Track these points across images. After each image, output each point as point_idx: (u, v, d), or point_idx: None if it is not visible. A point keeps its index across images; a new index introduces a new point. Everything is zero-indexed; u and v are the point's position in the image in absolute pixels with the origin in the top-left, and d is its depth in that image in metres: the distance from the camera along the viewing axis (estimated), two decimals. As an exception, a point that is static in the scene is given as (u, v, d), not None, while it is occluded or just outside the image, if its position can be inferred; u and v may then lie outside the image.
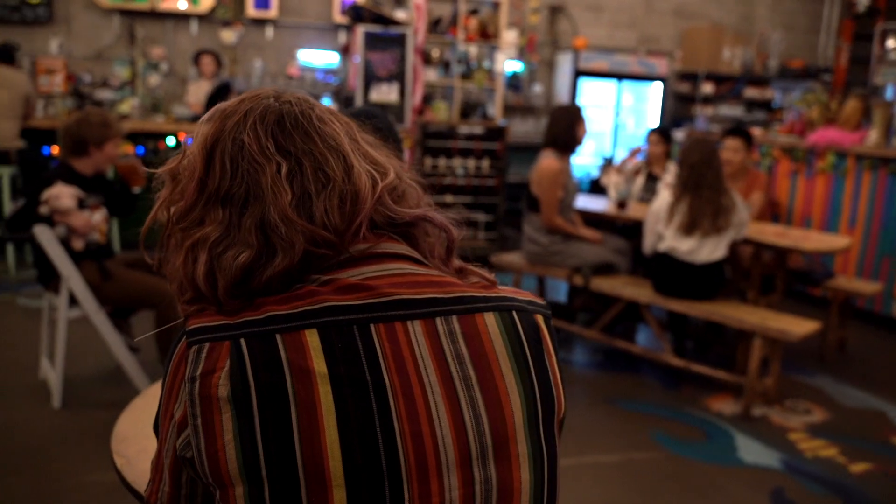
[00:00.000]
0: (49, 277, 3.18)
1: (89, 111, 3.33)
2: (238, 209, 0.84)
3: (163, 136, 5.85)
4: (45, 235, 2.99)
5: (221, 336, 0.79)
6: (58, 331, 3.16)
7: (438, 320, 0.84)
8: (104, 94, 6.64)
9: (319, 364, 0.78)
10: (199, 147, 0.87)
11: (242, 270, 0.82)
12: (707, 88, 8.15)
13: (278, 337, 0.78)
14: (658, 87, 8.07)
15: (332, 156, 0.86)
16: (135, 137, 5.76)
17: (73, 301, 3.13)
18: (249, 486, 0.76)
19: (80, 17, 6.89)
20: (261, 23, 7.19)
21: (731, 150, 4.31)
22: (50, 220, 3.04)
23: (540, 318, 0.91)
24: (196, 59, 6.45)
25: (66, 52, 6.86)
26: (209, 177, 0.85)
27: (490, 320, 0.86)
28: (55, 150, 5.44)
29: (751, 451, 3.21)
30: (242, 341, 0.78)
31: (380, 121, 1.78)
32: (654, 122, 7.92)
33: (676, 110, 8.38)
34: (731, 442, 3.29)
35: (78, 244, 3.12)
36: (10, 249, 5.27)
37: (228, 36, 7.11)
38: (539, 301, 0.94)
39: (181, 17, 7.01)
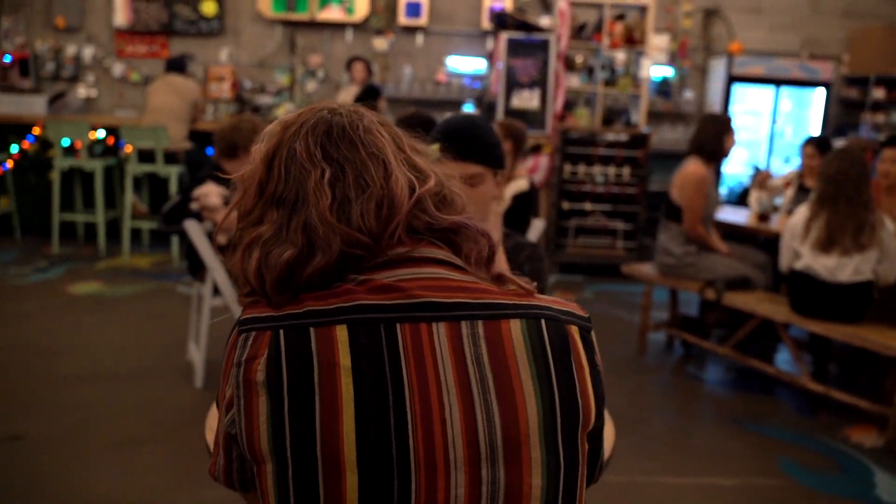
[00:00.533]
0: (197, 268, 3.48)
1: (242, 118, 3.62)
2: (289, 211, 0.91)
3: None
4: (193, 229, 3.28)
5: (264, 326, 0.87)
6: (202, 317, 3.45)
7: (463, 324, 0.87)
8: (263, 100, 7.13)
9: (345, 358, 0.83)
10: (261, 154, 0.95)
11: (286, 267, 0.88)
12: (878, 94, 7.52)
13: (312, 330, 0.85)
14: (821, 92, 7.55)
15: (373, 163, 0.91)
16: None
17: (216, 290, 3.41)
18: (277, 464, 0.83)
19: (247, 28, 7.43)
20: (411, 30, 7.44)
21: (889, 161, 3.98)
22: (199, 216, 3.33)
23: (574, 330, 0.92)
24: (349, 65, 6.76)
25: (234, 60, 7.44)
26: (268, 181, 0.93)
27: (515, 326, 0.88)
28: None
29: (891, 489, 2.96)
30: (281, 332, 0.86)
31: (428, 125, 1.81)
32: (815, 130, 7.41)
33: (841, 117, 7.80)
34: (870, 478, 3.04)
35: (222, 239, 3.38)
36: (174, 241, 5.80)
37: (380, 43, 7.41)
38: (579, 312, 0.94)
39: (337, 27, 7.39)
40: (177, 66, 5.99)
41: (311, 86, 7.47)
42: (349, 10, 7.26)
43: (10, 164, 6.12)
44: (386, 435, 0.82)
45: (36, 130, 5.99)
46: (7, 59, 7.24)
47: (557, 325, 0.90)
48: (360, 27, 7.39)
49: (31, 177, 6.25)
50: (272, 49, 7.46)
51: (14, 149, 6.12)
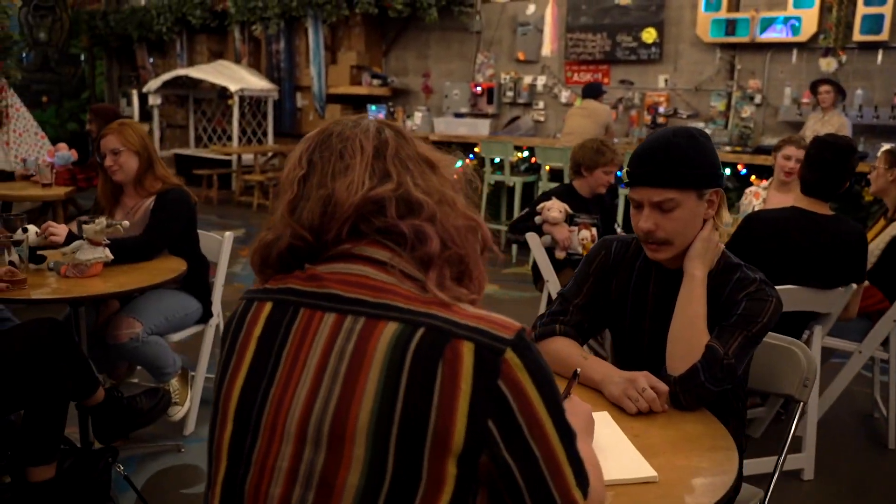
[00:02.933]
0: (538, 278, 3.68)
1: (591, 139, 3.73)
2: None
3: (724, 165, 5.89)
4: (533, 241, 3.48)
5: (242, 297, 1.04)
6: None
7: (349, 318, 0.91)
8: (694, 125, 7.00)
9: (258, 329, 0.97)
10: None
11: (260, 251, 1.03)
12: None
13: (254, 304, 1.00)
14: None
15: (339, 166, 0.98)
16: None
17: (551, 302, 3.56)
18: (212, 406, 0.99)
19: (686, 53, 7.39)
20: (870, 47, 6.52)
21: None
22: (541, 230, 3.53)
23: (465, 346, 0.86)
24: (814, 88, 6.04)
25: (671, 86, 7.48)
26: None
27: (389, 329, 0.88)
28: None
29: None
30: (242, 303, 1.02)
31: None
32: None
33: None
34: None
35: (559, 254, 3.53)
36: (513, 248, 6.31)
37: (828, 64, 6.67)
38: (501, 333, 0.88)
39: (780, 47, 6.88)
40: (593, 91, 6.32)
41: (747, 110, 7.09)
42: (794, 30, 6.69)
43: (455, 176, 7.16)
44: (254, 397, 0.92)
45: (476, 149, 6.91)
46: (478, 88, 8.48)
47: (438, 338, 0.87)
48: (805, 46, 6.75)
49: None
50: (709, 74, 7.29)
51: (458, 164, 7.16)
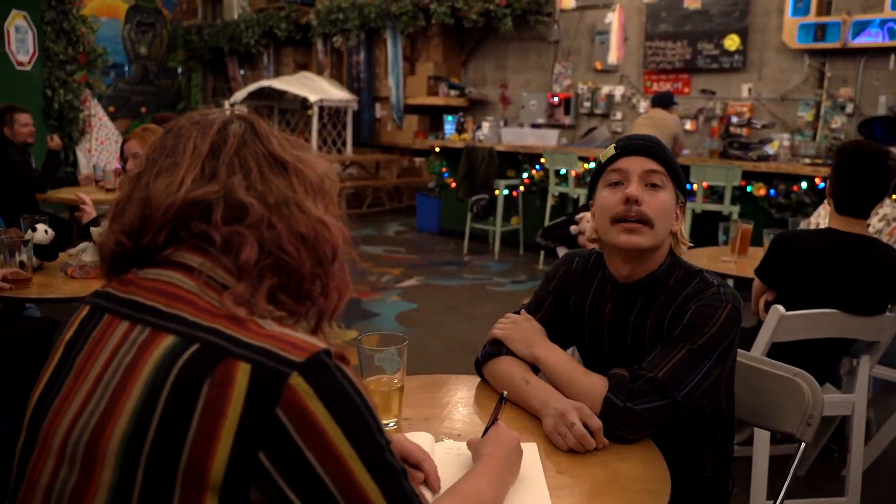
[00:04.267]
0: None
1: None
2: None
3: (800, 178, 5.50)
4: (561, 252, 3.31)
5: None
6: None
7: (137, 327, 0.83)
8: (776, 136, 6.60)
9: (69, 334, 0.90)
10: None
11: (99, 253, 0.97)
12: None
13: (80, 306, 0.93)
14: None
15: (166, 164, 0.90)
16: (770, 179, 5.61)
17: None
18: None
19: (771, 61, 6.98)
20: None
21: None
22: (575, 241, 3.35)
23: (239, 367, 0.75)
24: None
25: (755, 95, 7.08)
26: None
27: (165, 342, 0.79)
28: (695, 186, 5.74)
29: None
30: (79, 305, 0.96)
31: None
32: None
33: None
34: None
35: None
36: (541, 254, 6.31)
37: (929, 70, 6.13)
38: (290, 355, 0.77)
39: (875, 53, 6.38)
40: (662, 101, 6.05)
41: (837, 121, 6.62)
42: (891, 34, 6.19)
43: (521, 188, 7.01)
44: (43, 405, 0.86)
45: (542, 160, 6.73)
46: (555, 99, 8.31)
47: (210, 356, 0.77)
48: (905, 52, 6.24)
49: (535, 200, 7.06)
50: (797, 82, 6.85)
51: (525, 175, 7.01)
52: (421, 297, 5.49)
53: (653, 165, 1.47)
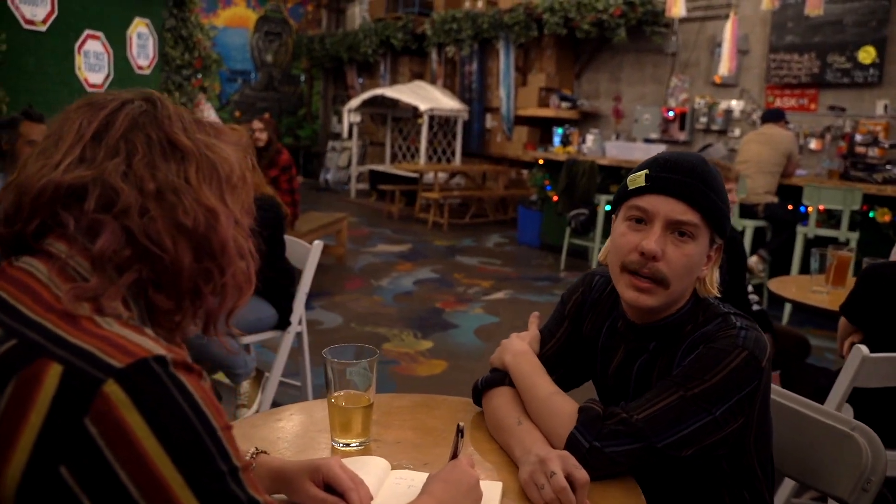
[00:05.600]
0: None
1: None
2: None
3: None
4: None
5: None
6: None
7: None
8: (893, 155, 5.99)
9: None
10: None
11: None
12: None
13: None
14: None
15: (47, 147, 0.83)
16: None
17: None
18: None
19: (911, 76, 6.36)
20: None
21: None
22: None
23: (53, 370, 0.67)
24: None
25: (892, 113, 6.47)
26: None
27: None
28: (810, 209, 5.29)
29: None
30: None
31: None
32: None
33: None
34: None
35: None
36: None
37: None
38: (107, 359, 0.68)
39: None
40: (774, 116, 5.59)
41: None
42: None
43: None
44: None
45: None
46: (669, 113, 7.94)
47: (24, 353, 0.69)
48: None
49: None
50: (941, 100, 6.21)
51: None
52: (504, 312, 5.34)
53: (685, 212, 1.22)
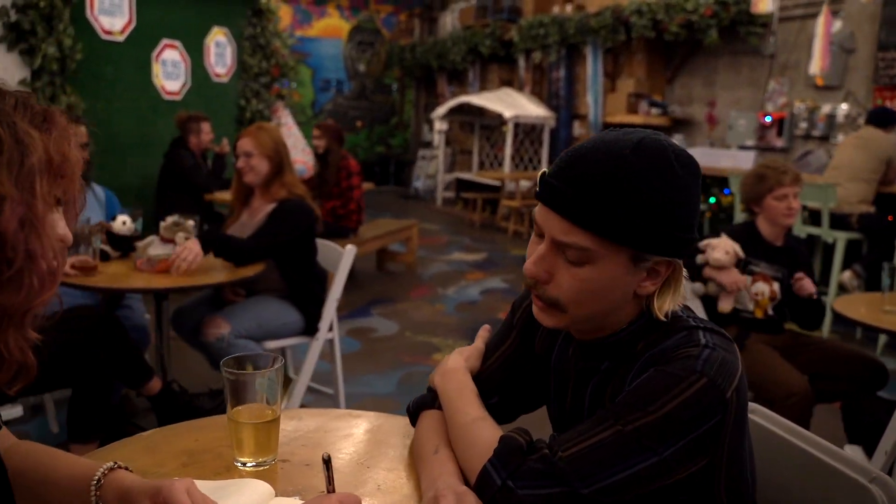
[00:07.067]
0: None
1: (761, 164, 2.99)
2: None
3: None
4: (686, 286, 2.81)
5: None
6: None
7: None
8: None
9: None
10: None
11: None
12: None
13: None
14: None
15: None
16: None
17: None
18: None
19: None
20: None
21: None
22: (700, 272, 2.84)
23: None
24: None
25: None
26: None
27: None
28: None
29: None
30: None
31: None
32: None
33: None
34: None
35: (725, 305, 2.80)
36: None
37: None
38: None
39: None
40: (879, 117, 5.06)
41: None
42: None
43: (708, 213, 6.31)
44: None
45: (730, 184, 6.01)
46: (767, 119, 7.45)
47: None
48: None
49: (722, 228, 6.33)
50: None
51: (712, 200, 6.29)
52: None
53: (569, 232, 0.97)
